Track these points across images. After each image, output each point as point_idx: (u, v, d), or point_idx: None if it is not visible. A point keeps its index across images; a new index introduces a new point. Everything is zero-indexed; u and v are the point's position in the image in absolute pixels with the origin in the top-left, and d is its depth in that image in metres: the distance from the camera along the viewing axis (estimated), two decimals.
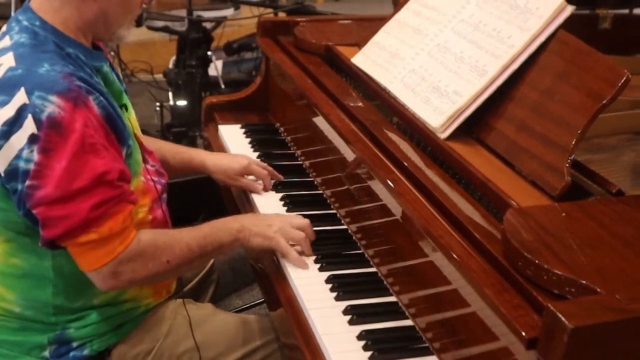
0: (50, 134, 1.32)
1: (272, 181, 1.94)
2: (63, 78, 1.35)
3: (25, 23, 1.44)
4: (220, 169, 1.94)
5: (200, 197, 2.74)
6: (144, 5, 1.57)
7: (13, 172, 1.35)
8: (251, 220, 1.64)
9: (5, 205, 1.43)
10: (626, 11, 2.33)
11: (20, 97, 1.34)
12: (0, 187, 1.41)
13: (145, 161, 1.63)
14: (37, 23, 1.44)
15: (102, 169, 1.36)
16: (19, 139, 1.33)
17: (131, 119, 1.61)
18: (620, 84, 1.33)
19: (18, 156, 1.34)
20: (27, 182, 1.34)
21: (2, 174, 1.38)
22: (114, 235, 1.39)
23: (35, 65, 1.37)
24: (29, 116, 1.32)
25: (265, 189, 1.92)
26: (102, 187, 1.36)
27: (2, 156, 1.36)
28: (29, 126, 1.32)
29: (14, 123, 1.33)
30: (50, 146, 1.33)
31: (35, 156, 1.33)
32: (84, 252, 1.39)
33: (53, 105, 1.32)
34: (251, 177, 1.94)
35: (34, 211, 1.35)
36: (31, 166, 1.33)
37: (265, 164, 1.96)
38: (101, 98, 1.41)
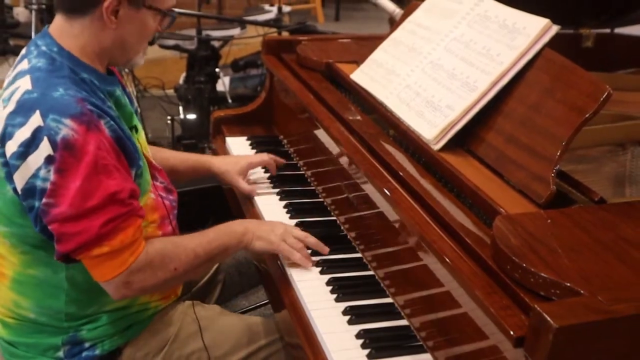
0: (64, 155, 1.32)
1: (277, 189, 1.95)
2: (76, 102, 1.35)
3: (43, 48, 1.44)
4: (226, 167, 1.95)
5: (208, 205, 2.74)
6: (158, 32, 1.57)
7: (30, 190, 1.35)
8: (255, 225, 1.64)
9: (23, 222, 1.43)
10: (607, 31, 2.34)
11: (36, 120, 1.33)
12: (18, 205, 1.40)
13: (154, 178, 1.62)
14: (55, 49, 1.44)
15: (114, 189, 1.35)
16: (36, 159, 1.33)
17: (141, 139, 1.61)
18: (602, 99, 1.33)
19: (35, 175, 1.33)
20: (44, 200, 1.34)
21: (20, 192, 1.38)
22: (125, 247, 1.38)
23: (50, 89, 1.36)
24: (45, 138, 1.32)
25: (273, 173, 2.00)
26: (114, 206, 1.36)
27: (19, 175, 1.36)
28: (45, 147, 1.32)
29: (30, 144, 1.33)
30: (64, 167, 1.32)
31: (52, 176, 1.32)
32: (98, 264, 1.38)
33: (67, 128, 1.32)
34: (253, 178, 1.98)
35: (50, 227, 1.36)
36: (48, 185, 1.33)
37: (265, 153, 2.03)
38: (112, 122, 1.40)
